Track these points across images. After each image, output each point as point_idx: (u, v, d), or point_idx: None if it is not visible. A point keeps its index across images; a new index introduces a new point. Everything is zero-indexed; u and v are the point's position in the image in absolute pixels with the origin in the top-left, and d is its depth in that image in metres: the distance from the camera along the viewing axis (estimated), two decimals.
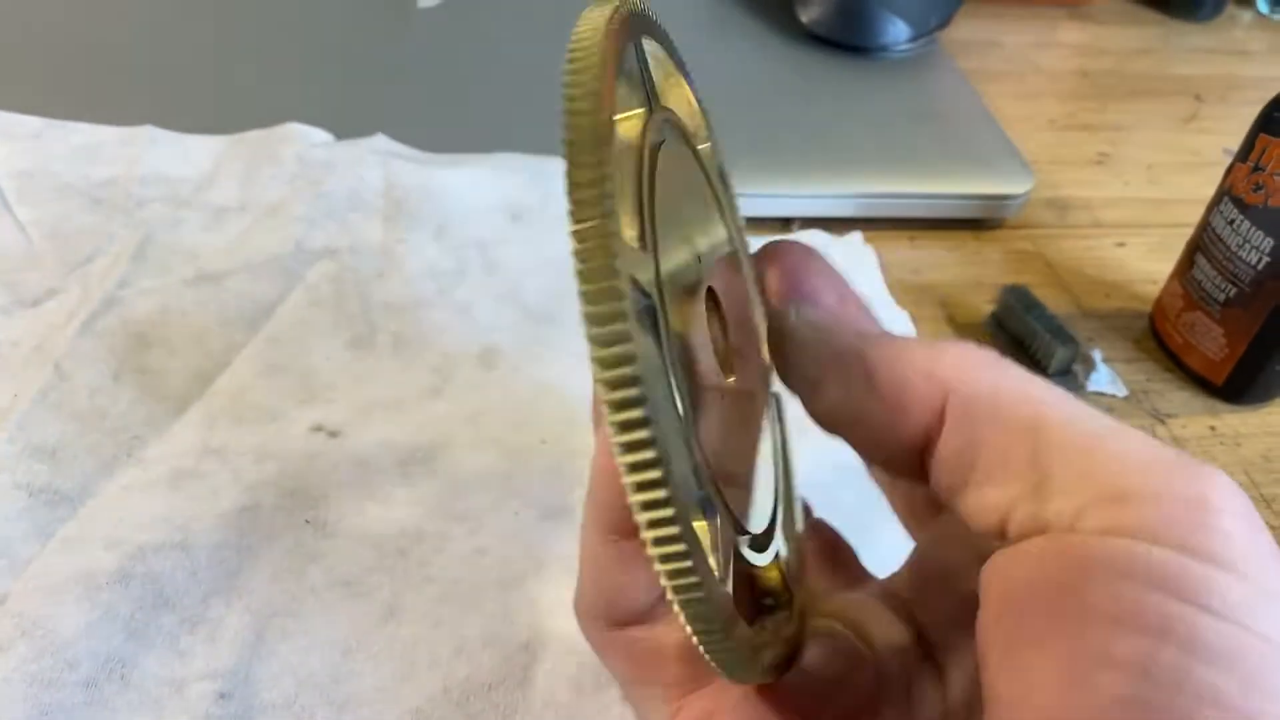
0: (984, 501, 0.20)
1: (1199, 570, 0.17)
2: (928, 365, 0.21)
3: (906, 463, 0.22)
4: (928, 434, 0.21)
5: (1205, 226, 0.50)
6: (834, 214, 0.58)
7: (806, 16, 0.70)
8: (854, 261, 0.55)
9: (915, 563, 0.27)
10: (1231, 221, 0.48)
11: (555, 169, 0.53)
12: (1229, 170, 0.48)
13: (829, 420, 0.22)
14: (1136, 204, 0.65)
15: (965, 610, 0.21)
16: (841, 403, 0.22)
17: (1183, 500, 0.18)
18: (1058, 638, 0.17)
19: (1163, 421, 0.49)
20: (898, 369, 0.21)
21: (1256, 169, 0.46)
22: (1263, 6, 0.90)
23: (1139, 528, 0.17)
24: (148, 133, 0.53)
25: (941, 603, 0.25)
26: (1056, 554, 0.18)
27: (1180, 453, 0.18)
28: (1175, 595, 0.17)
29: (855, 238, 0.57)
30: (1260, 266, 0.46)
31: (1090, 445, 0.19)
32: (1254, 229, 0.46)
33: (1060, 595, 0.18)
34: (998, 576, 0.19)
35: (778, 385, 0.24)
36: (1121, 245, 0.61)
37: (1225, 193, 0.48)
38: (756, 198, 0.57)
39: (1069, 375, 0.50)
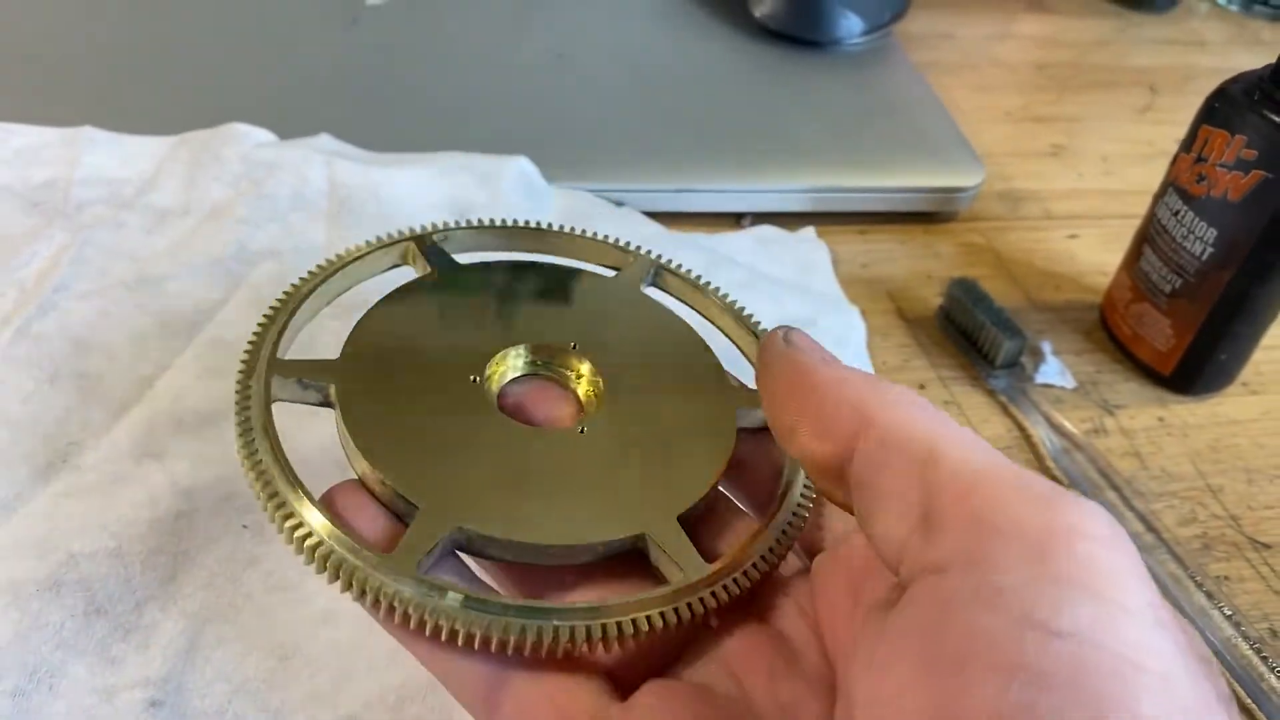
0: (885, 532, 0.22)
1: (1051, 593, 0.18)
2: (858, 395, 0.23)
3: (836, 485, 0.24)
4: (842, 456, 0.23)
5: (1151, 218, 0.50)
6: (785, 208, 0.58)
7: (759, 10, 0.70)
8: (807, 257, 0.55)
9: (830, 578, 0.28)
10: (1176, 212, 0.48)
11: (501, 168, 0.53)
12: (1173, 161, 0.49)
13: (778, 427, 0.25)
14: (1090, 195, 0.65)
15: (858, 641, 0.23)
16: (787, 412, 0.24)
17: (1046, 530, 0.19)
18: (918, 690, 0.18)
19: (1111, 413, 0.49)
20: (832, 392, 0.23)
21: (1199, 160, 0.46)
22: None
23: (1003, 560, 0.19)
24: (88, 134, 0.52)
25: (852, 628, 0.26)
26: (923, 600, 0.20)
27: (1057, 488, 0.20)
28: (1025, 621, 0.18)
29: (808, 233, 0.57)
30: (1204, 257, 0.46)
31: (973, 481, 0.20)
32: (1198, 220, 0.46)
33: (921, 644, 0.19)
34: (871, 631, 0.21)
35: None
36: (1074, 237, 0.61)
37: (1170, 184, 0.48)
38: (708, 193, 0.57)
39: (1017, 367, 0.50)
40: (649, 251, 0.36)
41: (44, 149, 0.51)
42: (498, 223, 0.36)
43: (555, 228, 0.36)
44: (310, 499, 0.25)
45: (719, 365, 0.33)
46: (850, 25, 0.69)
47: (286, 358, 0.29)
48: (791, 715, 0.25)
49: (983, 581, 0.18)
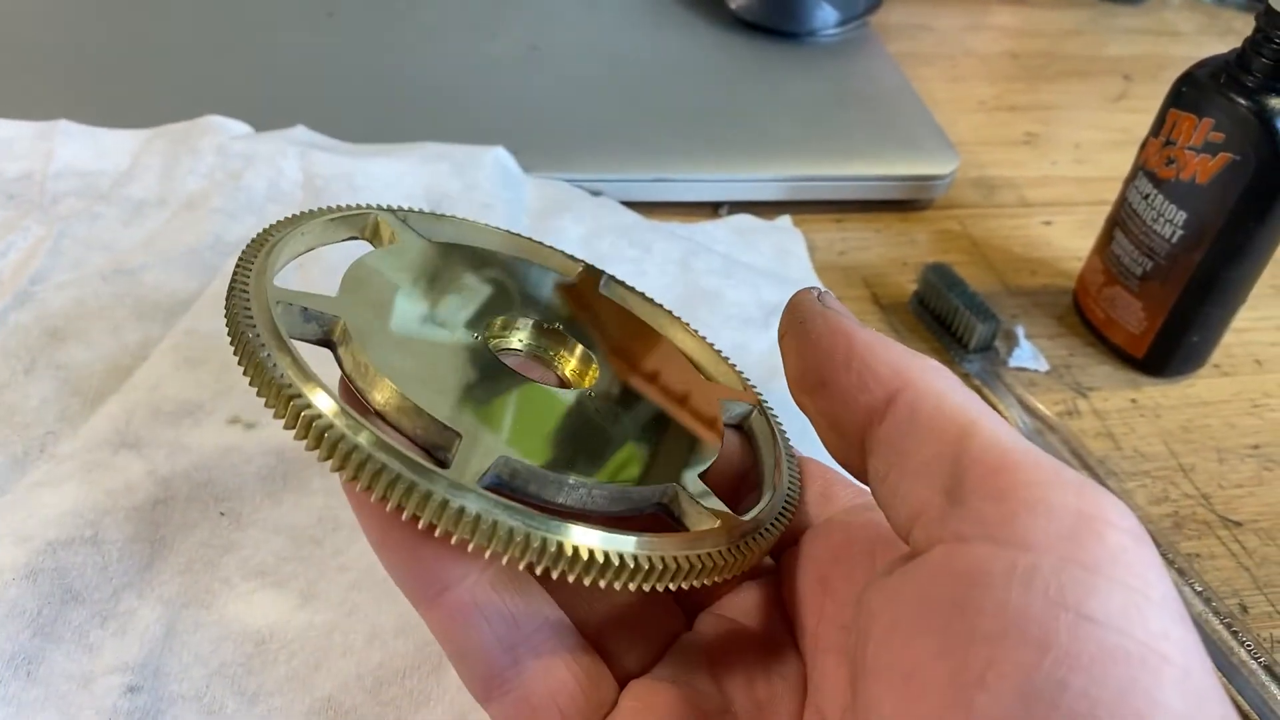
0: (903, 496, 0.22)
1: (1084, 578, 0.18)
2: (897, 360, 0.24)
3: (852, 444, 0.24)
4: (871, 416, 0.23)
5: (1123, 202, 0.50)
6: (761, 197, 0.58)
7: (735, 2, 0.70)
8: (783, 245, 0.56)
9: (799, 574, 0.28)
10: (1146, 196, 0.48)
11: (477, 158, 0.53)
12: (1143, 145, 0.49)
13: (803, 381, 0.25)
14: (1064, 182, 0.66)
15: (846, 630, 0.24)
16: (819, 368, 0.25)
17: (1075, 515, 0.19)
18: (942, 658, 0.18)
19: (1084, 395, 0.50)
20: (871, 354, 0.24)
21: (1168, 143, 0.47)
22: None
23: (1033, 539, 0.19)
24: (63, 127, 0.52)
25: (823, 622, 0.26)
26: (948, 568, 0.20)
27: (1083, 476, 0.20)
28: (1058, 603, 0.18)
29: (784, 221, 0.57)
30: (1174, 240, 0.47)
31: (1005, 461, 0.20)
32: (1167, 203, 0.47)
33: (947, 613, 0.19)
34: (887, 599, 0.21)
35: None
36: (1048, 223, 0.62)
37: (1140, 168, 0.49)
38: (685, 182, 0.57)
39: (990, 351, 0.50)
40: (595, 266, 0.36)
41: (18, 142, 0.51)
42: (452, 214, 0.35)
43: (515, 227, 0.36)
44: (364, 424, 0.22)
45: (691, 362, 0.34)
46: (825, 16, 0.69)
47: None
48: (767, 713, 0.25)
49: (1016, 559, 0.19)
